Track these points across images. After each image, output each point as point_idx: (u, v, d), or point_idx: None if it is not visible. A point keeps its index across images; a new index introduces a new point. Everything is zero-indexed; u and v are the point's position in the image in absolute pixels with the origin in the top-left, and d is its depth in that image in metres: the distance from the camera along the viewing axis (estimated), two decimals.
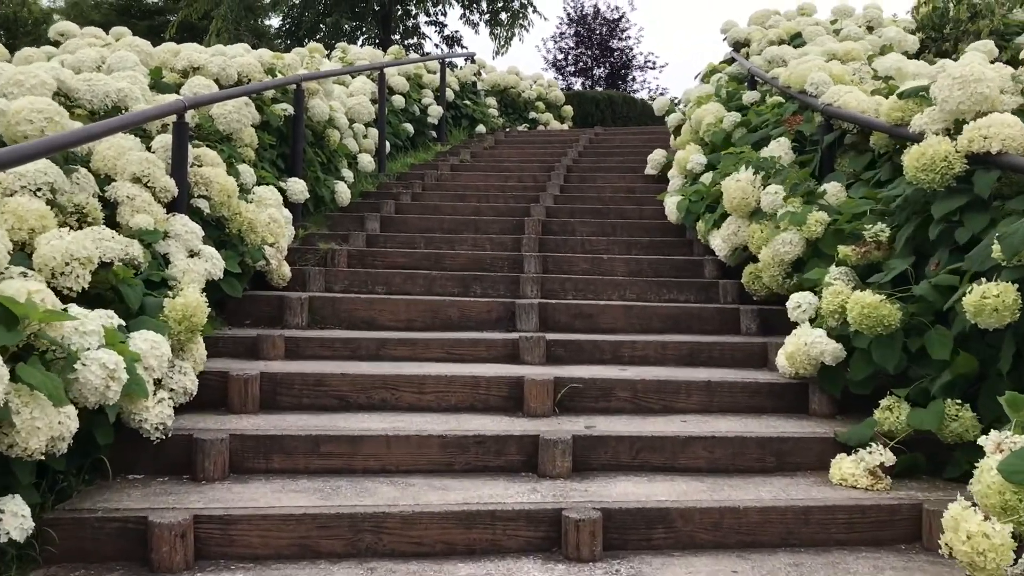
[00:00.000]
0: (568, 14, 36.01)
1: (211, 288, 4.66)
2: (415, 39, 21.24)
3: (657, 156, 9.22)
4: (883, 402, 3.82)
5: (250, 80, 7.06)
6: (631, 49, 35.91)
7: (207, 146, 5.84)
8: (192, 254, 4.61)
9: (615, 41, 35.93)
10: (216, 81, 6.64)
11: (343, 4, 18.42)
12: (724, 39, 11.11)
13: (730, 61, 10.71)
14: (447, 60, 12.45)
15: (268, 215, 5.53)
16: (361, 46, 20.08)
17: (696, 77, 11.14)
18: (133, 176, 4.58)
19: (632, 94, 29.81)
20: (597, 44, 36.14)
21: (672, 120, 9.36)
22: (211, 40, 16.30)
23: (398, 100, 11.08)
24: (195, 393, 3.89)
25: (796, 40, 9.23)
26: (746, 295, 5.70)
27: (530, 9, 19.70)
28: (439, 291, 5.88)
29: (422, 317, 5.31)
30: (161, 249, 4.46)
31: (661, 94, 35.40)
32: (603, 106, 17.80)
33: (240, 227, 5.25)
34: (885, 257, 4.35)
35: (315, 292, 5.75)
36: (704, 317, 5.37)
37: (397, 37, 20.68)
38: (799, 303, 4.50)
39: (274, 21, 21.14)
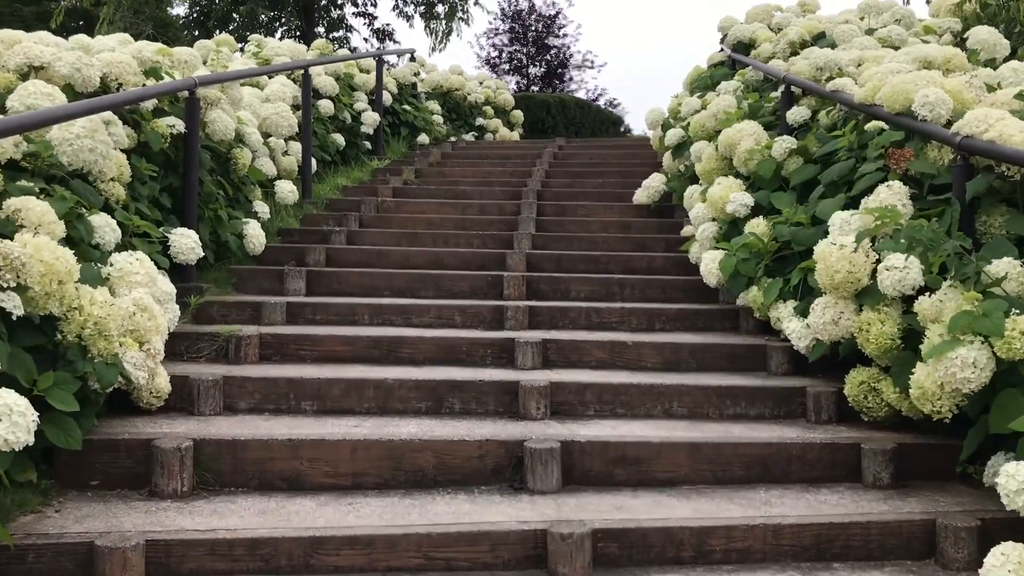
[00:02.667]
0: (503, 9, 34.19)
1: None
2: (341, 32, 19.07)
3: (654, 183, 7.42)
4: None
5: (122, 85, 5.01)
6: (568, 47, 34.29)
7: (42, 189, 3.81)
8: None
9: (552, 38, 34.26)
10: (70, 87, 4.59)
11: None
12: (722, 39, 9.36)
13: (726, 64, 8.98)
14: (383, 57, 10.48)
15: (133, 302, 3.53)
16: (280, 39, 17.88)
17: (693, 87, 9.39)
18: None
19: (612, 106, 28.13)
20: (533, 41, 34.43)
21: (671, 137, 7.55)
22: (101, 30, 13.95)
23: (326, 105, 9.05)
24: None
25: (821, 41, 7.52)
26: (848, 411, 3.92)
27: (470, 1, 17.74)
28: (397, 409, 3.94)
29: (376, 469, 3.36)
30: None
31: (599, 95, 33.89)
32: (554, 111, 15.96)
33: (81, 330, 3.23)
34: None
35: (207, 417, 3.76)
36: (809, 460, 3.54)
37: (321, 30, 18.50)
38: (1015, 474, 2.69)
39: (180, 10, 18.79)
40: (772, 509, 3.16)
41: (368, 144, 10.01)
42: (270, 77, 8.01)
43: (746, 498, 3.30)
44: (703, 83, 8.87)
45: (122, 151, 4.71)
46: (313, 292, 5.51)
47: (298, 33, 17.50)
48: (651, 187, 7.38)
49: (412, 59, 12.33)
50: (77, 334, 3.21)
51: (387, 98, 10.67)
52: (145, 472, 3.21)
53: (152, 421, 3.59)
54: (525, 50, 34.54)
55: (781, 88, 6.58)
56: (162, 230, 4.87)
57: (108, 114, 4.45)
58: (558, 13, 34.30)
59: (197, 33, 17.10)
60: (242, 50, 10.27)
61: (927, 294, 3.48)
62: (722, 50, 10.70)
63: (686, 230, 6.70)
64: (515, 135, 13.80)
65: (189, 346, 4.39)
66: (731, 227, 5.37)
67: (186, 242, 4.57)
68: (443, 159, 10.10)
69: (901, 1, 9.36)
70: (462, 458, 3.37)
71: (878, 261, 3.81)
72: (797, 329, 4.24)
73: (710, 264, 5.01)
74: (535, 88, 33.47)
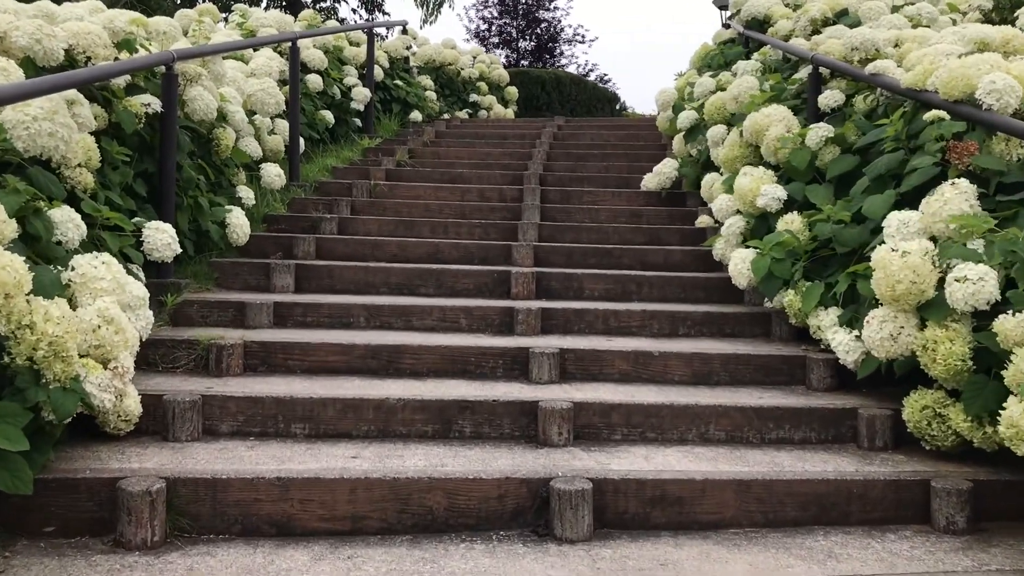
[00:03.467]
0: None
1: None
2: (329, 2, 18.40)
3: (665, 169, 6.95)
4: None
5: (90, 59, 4.49)
6: (559, 21, 33.58)
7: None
8: None
9: (542, 12, 33.53)
10: (30, 61, 4.07)
11: None
12: (729, 16, 8.88)
13: (738, 42, 8.49)
14: (374, 30, 9.92)
15: (97, 314, 3.05)
16: (266, 9, 17.21)
17: (701, 66, 8.90)
18: None
19: (602, 82, 27.53)
20: (523, 14, 33.69)
21: (684, 120, 7.08)
22: None
23: (314, 80, 8.52)
24: None
25: (844, 19, 7.05)
26: (905, 435, 3.49)
27: None
28: (400, 433, 3.49)
29: (379, 512, 2.91)
30: None
31: (590, 70, 33.24)
32: (549, 87, 15.41)
33: (33, 352, 2.75)
34: None
35: (183, 444, 3.29)
36: (871, 499, 3.11)
37: (308, 0, 17.84)
38: None
39: None
40: (839, 565, 2.73)
41: (358, 121, 9.49)
42: (255, 50, 7.48)
43: (805, 547, 2.87)
44: (715, 61, 8.40)
45: (91, 133, 4.21)
46: (303, 288, 5.04)
47: (284, 3, 16.85)
48: (663, 173, 6.91)
49: (404, 32, 11.77)
50: (28, 356, 2.73)
51: (378, 73, 10.14)
52: (110, 517, 2.75)
53: (120, 451, 3.12)
54: (515, 23, 33.80)
55: (805, 69, 6.12)
56: (136, 221, 4.38)
57: (73, 93, 3.93)
58: None
59: (179, 2, 16.40)
60: (226, 20, 9.70)
61: (1010, 312, 3.05)
62: (727, 26, 10.23)
63: (701, 220, 6.26)
64: (510, 112, 13.28)
65: (165, 355, 3.91)
66: (760, 222, 4.92)
67: (161, 237, 4.08)
68: (437, 138, 9.59)
69: None
70: (478, 499, 2.93)
71: (945, 270, 3.37)
72: (844, 342, 3.80)
73: (740, 264, 4.56)
74: (525, 62, 32.82)
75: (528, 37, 33.68)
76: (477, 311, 4.56)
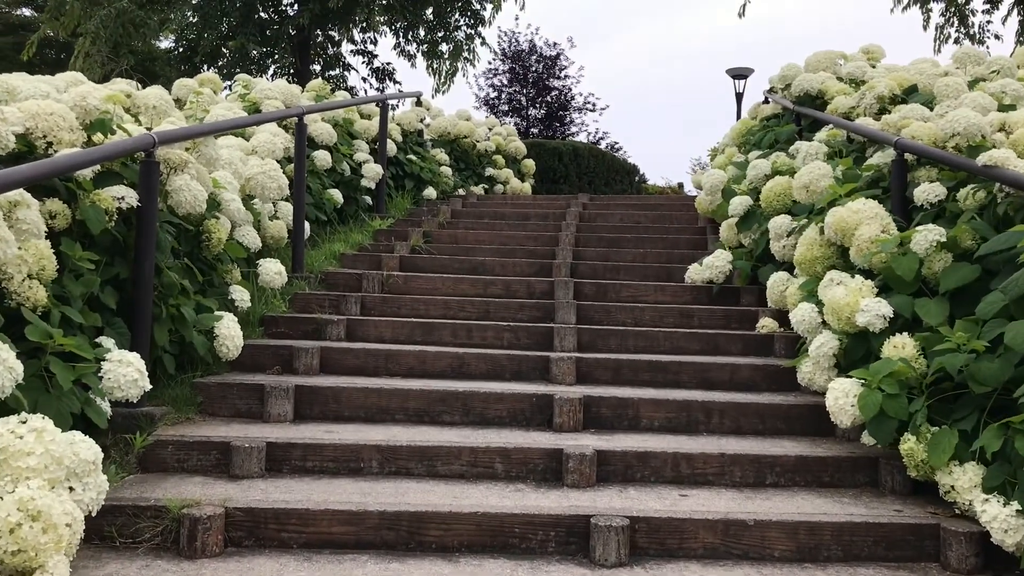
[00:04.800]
0: (503, 49, 33.16)
1: None
2: (338, 70, 17.84)
3: (718, 261, 6.15)
4: None
5: (52, 144, 3.72)
6: (570, 89, 33.26)
7: None
8: None
9: (553, 80, 33.24)
10: None
11: (250, 25, 14.86)
12: (771, 88, 8.17)
13: (787, 119, 7.77)
14: (387, 102, 9.24)
15: (18, 506, 2.21)
16: (272, 77, 16.67)
17: (741, 142, 8.18)
18: None
19: (613, 150, 27.04)
20: (533, 82, 33.40)
21: (737, 206, 6.30)
22: (76, 64, 12.65)
23: (322, 157, 7.79)
24: None
25: (913, 96, 6.32)
26: None
27: (477, 41, 16.54)
28: None
29: None
30: None
31: (601, 138, 32.77)
32: (567, 159, 14.72)
33: None
34: None
35: None
36: None
37: (317, 68, 17.29)
38: None
39: (167, 43, 17.53)
40: None
41: (369, 199, 8.74)
42: (257, 125, 6.74)
43: None
44: (760, 139, 7.67)
45: (49, 235, 3.42)
46: (304, 415, 4.19)
47: (292, 71, 16.30)
48: (715, 266, 6.11)
49: (418, 103, 11.11)
50: None
51: (391, 147, 9.42)
52: None
53: None
54: (525, 91, 33.52)
55: (880, 155, 5.36)
56: (102, 340, 3.56)
57: (17, 193, 3.14)
58: (559, 54, 33.31)
59: (184, 68, 15.86)
60: (230, 88, 9.03)
61: None
62: (766, 100, 9.56)
63: (764, 324, 5.44)
64: (527, 186, 12.57)
65: (125, 526, 3.05)
66: (856, 342, 4.08)
67: (125, 373, 3.24)
68: (454, 218, 8.83)
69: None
70: None
71: None
72: (1001, 518, 2.94)
73: (842, 399, 3.70)
74: (535, 130, 32.45)
75: (538, 105, 33.36)
76: (516, 454, 3.70)
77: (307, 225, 6.65)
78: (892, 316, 3.92)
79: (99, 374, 3.22)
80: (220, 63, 16.73)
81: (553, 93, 33.18)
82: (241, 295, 4.89)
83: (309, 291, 5.97)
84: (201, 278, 4.74)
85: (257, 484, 3.44)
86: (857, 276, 4.15)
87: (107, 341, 3.65)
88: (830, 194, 4.86)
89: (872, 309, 3.89)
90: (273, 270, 5.08)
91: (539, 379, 4.77)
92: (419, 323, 5.35)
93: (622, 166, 16.16)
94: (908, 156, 4.97)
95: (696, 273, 6.46)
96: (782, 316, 5.55)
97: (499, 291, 6.28)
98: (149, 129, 5.47)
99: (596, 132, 35.29)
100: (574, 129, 33.45)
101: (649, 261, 7.22)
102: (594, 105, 33.53)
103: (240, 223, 5.31)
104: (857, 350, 4.07)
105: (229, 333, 4.39)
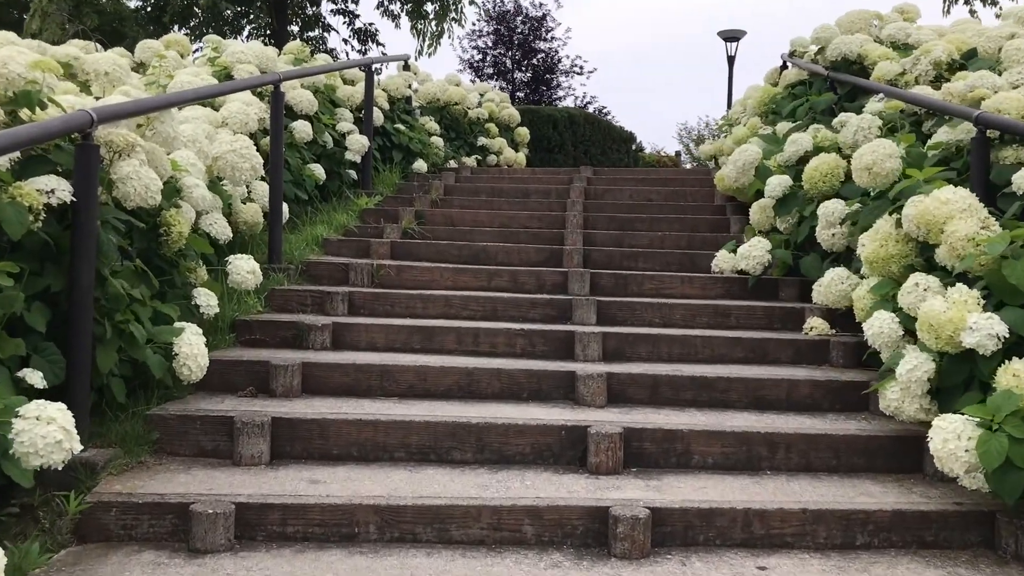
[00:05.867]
0: (487, 10, 32.04)
1: None
2: (317, 31, 16.83)
3: (755, 251, 5.43)
4: None
5: None
6: (556, 52, 32.24)
7: None
8: None
9: (539, 42, 32.21)
10: None
11: None
12: (816, 52, 7.34)
13: (819, 86, 7.00)
14: (373, 67, 8.39)
15: None
16: (248, 38, 15.68)
17: (764, 110, 7.41)
18: None
19: (601, 114, 26.22)
20: (518, 45, 32.37)
21: (775, 187, 5.56)
22: (32, 25, 11.64)
23: (302, 129, 6.97)
24: None
25: (973, 62, 5.58)
26: None
27: (465, 0, 15.56)
28: None
29: None
30: None
31: (589, 102, 31.86)
32: (562, 127, 13.87)
33: None
34: None
35: None
36: None
37: (295, 28, 16.28)
38: None
39: (136, 1, 16.44)
40: None
41: (353, 174, 7.92)
42: (224, 95, 5.92)
43: None
44: (795, 111, 6.91)
45: None
46: (283, 455, 3.44)
47: (268, 32, 15.31)
48: (751, 256, 5.37)
49: (406, 67, 10.24)
50: None
51: (377, 116, 8.58)
52: None
53: None
54: (510, 54, 32.48)
55: (947, 130, 4.63)
56: (26, 374, 2.80)
57: None
58: (545, 16, 32.25)
59: (153, 29, 14.84)
60: (195, 54, 8.15)
61: None
62: (785, 65, 8.79)
63: (814, 325, 4.74)
64: (521, 157, 11.75)
65: None
66: (956, 364, 3.36)
67: (44, 434, 2.46)
68: (447, 195, 8.03)
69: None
70: None
71: None
72: None
73: (952, 442, 2.98)
74: (521, 94, 31.49)
75: (524, 68, 32.37)
76: (549, 514, 2.97)
77: (285, 207, 5.85)
78: (1007, 335, 3.20)
79: (11, 435, 2.45)
80: (192, 23, 15.73)
81: (539, 56, 32.18)
82: (207, 300, 4.10)
83: (289, 286, 5.19)
84: (158, 281, 3.95)
85: (224, 563, 2.69)
86: (959, 285, 3.41)
87: (33, 375, 2.89)
88: (906, 183, 4.12)
89: (983, 328, 3.17)
90: (245, 269, 4.28)
91: (563, 399, 4.04)
92: (417, 327, 4.59)
93: (619, 134, 15.34)
94: (991, 132, 4.24)
95: (725, 262, 5.74)
96: (832, 315, 4.85)
97: (505, 283, 5.53)
98: (98, 99, 4.67)
99: (584, 96, 34.46)
100: (561, 93, 32.50)
101: (668, 246, 6.47)
102: (581, 68, 32.61)
103: (207, 210, 4.51)
104: (956, 374, 3.35)
105: (192, 351, 3.62)
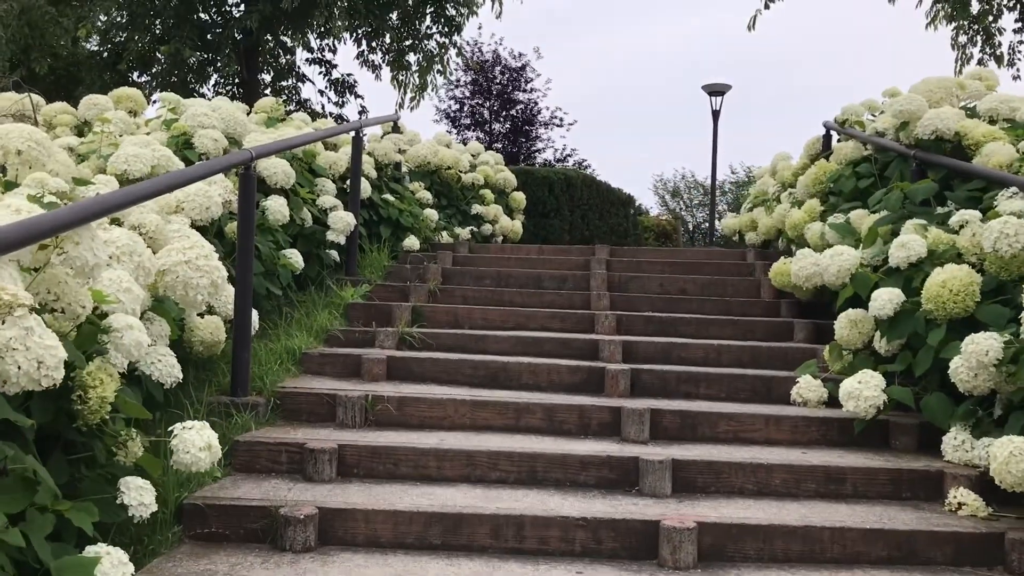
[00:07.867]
0: (466, 60, 31.11)
1: None
2: (291, 81, 15.63)
3: (867, 391, 4.22)
4: None
5: None
6: (536, 103, 31.34)
7: None
8: None
9: (518, 93, 31.30)
10: None
11: (187, 27, 12.51)
12: (896, 129, 6.19)
13: (898, 167, 5.89)
14: (361, 131, 7.15)
15: None
16: (215, 88, 14.44)
17: (819, 190, 6.28)
18: None
19: (583, 167, 25.23)
20: (497, 95, 31.42)
21: (884, 303, 4.37)
22: None
23: (276, 209, 5.71)
24: None
25: None
26: None
27: (452, 51, 14.45)
28: None
29: None
30: None
31: (568, 155, 30.95)
32: (558, 190, 12.71)
33: None
34: None
35: None
36: None
37: (267, 78, 15.06)
38: None
39: (94, 45, 15.12)
40: None
41: (335, 254, 6.66)
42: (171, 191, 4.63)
43: None
44: (848, 188, 5.84)
45: None
46: None
47: (237, 80, 14.08)
48: (862, 395, 4.16)
49: (395, 129, 9.04)
50: None
51: (365, 187, 7.33)
52: None
53: None
54: (488, 104, 31.54)
55: None
56: None
57: None
58: (524, 66, 31.35)
59: (108, 76, 13.54)
60: (146, 112, 6.88)
61: None
62: (828, 135, 7.73)
63: (961, 500, 3.56)
64: (517, 225, 10.56)
65: None
66: None
67: None
68: (446, 282, 6.77)
69: None
70: None
71: None
72: None
73: None
74: (498, 146, 30.44)
75: (503, 119, 31.41)
76: None
77: (255, 317, 4.56)
78: None
79: None
80: (154, 70, 14.45)
81: (518, 107, 31.24)
82: (139, 496, 2.78)
83: (256, 431, 3.92)
84: (70, 463, 2.65)
85: None
86: None
87: None
88: None
89: None
90: (197, 446, 2.93)
91: None
92: (436, 513, 3.30)
93: (617, 197, 14.24)
94: None
95: (810, 391, 4.60)
96: (981, 482, 3.65)
97: (539, 422, 4.29)
98: (3, 193, 3.45)
99: (563, 149, 33.42)
100: (540, 145, 31.55)
101: (727, 362, 5.28)
102: (561, 120, 31.65)
103: (146, 358, 3.22)
104: None
105: None
